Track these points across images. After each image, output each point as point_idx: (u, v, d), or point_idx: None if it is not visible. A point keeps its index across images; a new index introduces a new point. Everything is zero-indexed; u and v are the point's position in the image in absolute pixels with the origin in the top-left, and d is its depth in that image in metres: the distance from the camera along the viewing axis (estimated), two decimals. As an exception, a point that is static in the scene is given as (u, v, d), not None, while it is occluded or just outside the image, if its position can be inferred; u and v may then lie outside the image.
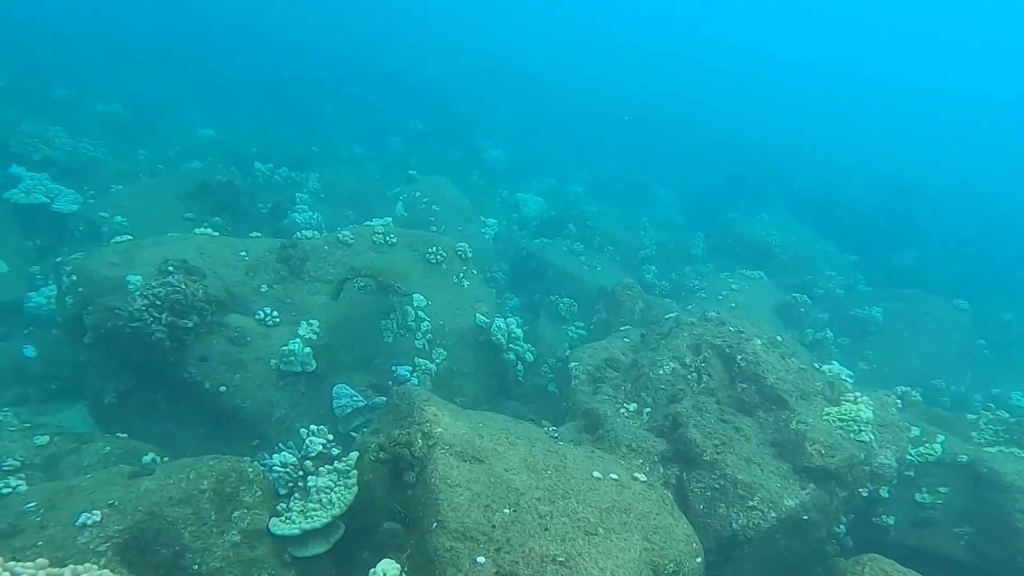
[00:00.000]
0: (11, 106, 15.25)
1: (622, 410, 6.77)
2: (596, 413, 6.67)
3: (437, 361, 8.19)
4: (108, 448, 6.27)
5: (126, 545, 4.58)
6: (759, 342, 6.99)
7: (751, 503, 5.56)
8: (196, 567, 4.71)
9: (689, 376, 6.91)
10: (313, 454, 5.50)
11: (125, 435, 6.73)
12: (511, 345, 8.69)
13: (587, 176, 22.35)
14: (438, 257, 8.95)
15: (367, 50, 32.57)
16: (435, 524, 4.49)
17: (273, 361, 7.21)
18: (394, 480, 5.07)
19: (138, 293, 6.65)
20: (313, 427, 5.74)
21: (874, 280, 15.16)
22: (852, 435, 6.29)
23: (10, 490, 5.31)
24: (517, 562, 4.20)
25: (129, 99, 18.91)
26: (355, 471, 5.29)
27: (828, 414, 6.45)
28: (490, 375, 8.75)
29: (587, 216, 15.45)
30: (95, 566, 3.36)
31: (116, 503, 4.75)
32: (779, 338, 7.45)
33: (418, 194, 12.92)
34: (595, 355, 7.79)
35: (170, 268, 7.15)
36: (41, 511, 4.83)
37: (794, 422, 6.23)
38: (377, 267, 7.79)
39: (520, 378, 8.89)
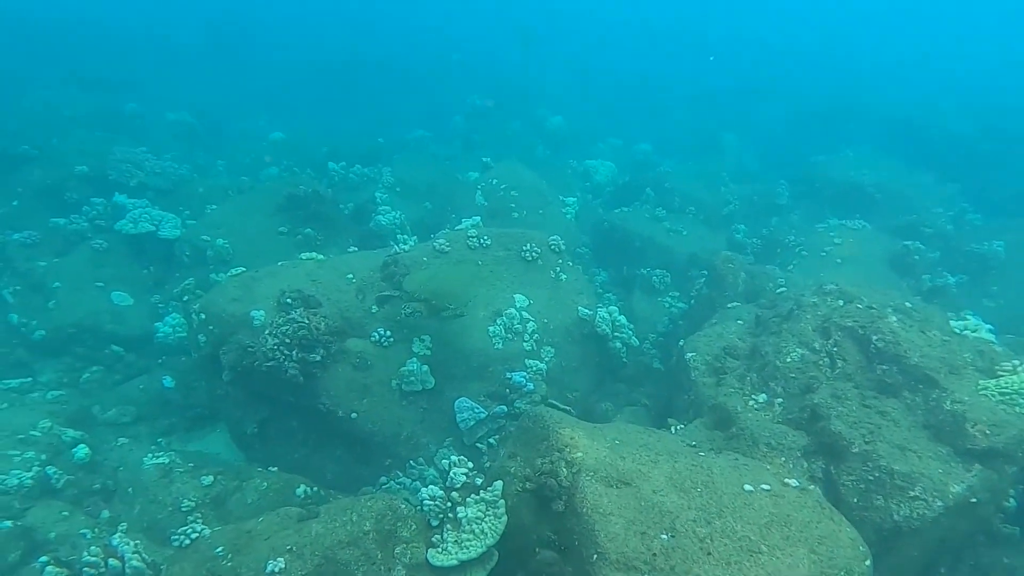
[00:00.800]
0: (95, 127, 15.86)
1: (751, 403, 6.63)
2: (724, 408, 6.54)
3: (546, 360, 8.24)
4: (265, 484, 6.74)
5: (310, 588, 4.85)
6: (894, 318, 6.67)
7: (913, 493, 5.36)
8: (370, 605, 4.95)
9: (820, 362, 6.69)
10: (458, 485, 5.62)
11: (276, 469, 7.11)
12: (616, 334, 8.69)
13: (652, 131, 21.81)
14: (533, 254, 8.93)
15: (414, 32, 32.28)
16: (595, 555, 4.54)
17: (394, 382, 7.41)
18: (542, 508, 5.13)
19: (268, 332, 6.90)
20: (453, 458, 5.88)
21: (984, 208, 14.22)
22: (1018, 408, 5.88)
23: (196, 535, 5.69)
24: (687, 592, 4.19)
25: (192, 106, 19.36)
26: (502, 500, 5.38)
27: (985, 388, 6.08)
28: (597, 364, 8.79)
29: (663, 178, 15.10)
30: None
31: (293, 548, 5.02)
32: (908, 304, 7.12)
33: (495, 181, 12.87)
34: (711, 343, 7.66)
35: (288, 300, 7.38)
36: (230, 556, 5.20)
37: (948, 402, 5.92)
38: (429, 289, 7.60)
39: (624, 359, 8.90)
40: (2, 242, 10.43)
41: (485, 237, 8.83)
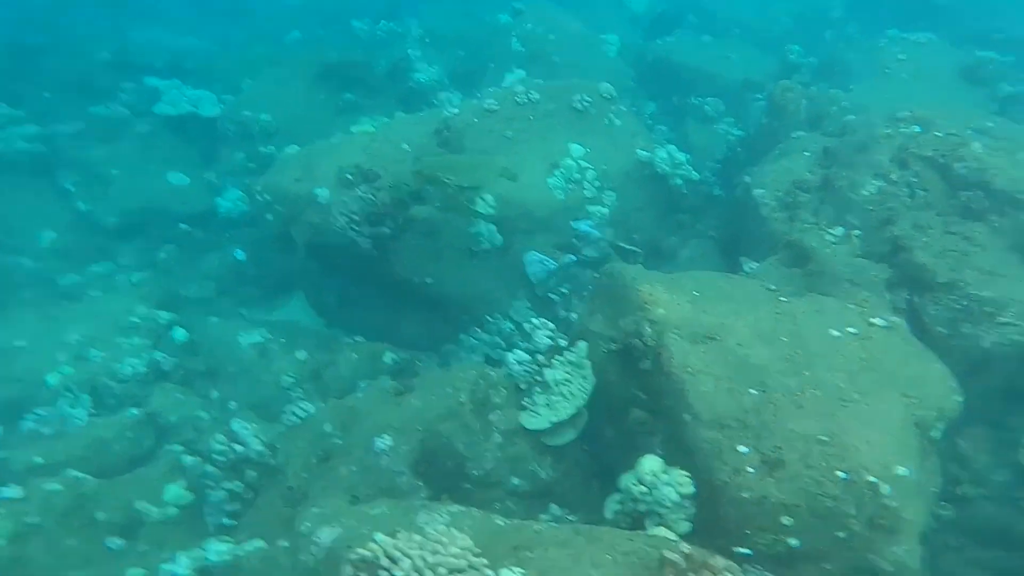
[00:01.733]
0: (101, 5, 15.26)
1: (828, 237, 6.42)
2: (800, 245, 6.28)
3: (609, 204, 8.13)
4: (355, 355, 7.16)
5: (417, 462, 5.13)
6: (977, 144, 6.28)
7: (1003, 319, 5.25)
8: (476, 472, 5.18)
9: (899, 193, 6.38)
10: (543, 348, 5.73)
11: (361, 338, 7.39)
12: (676, 171, 8.46)
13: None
14: (584, 103, 8.54)
15: None
16: (688, 416, 4.54)
17: (464, 243, 7.42)
18: (628, 367, 5.13)
19: (336, 211, 6.91)
20: (535, 320, 5.94)
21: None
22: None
23: (305, 413, 6.04)
24: (780, 447, 4.21)
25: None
26: (588, 361, 5.46)
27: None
28: (659, 201, 8.65)
29: (703, 3, 14.10)
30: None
31: (396, 424, 5.27)
32: (991, 124, 6.69)
33: (530, 26, 12.08)
34: (779, 178, 7.33)
35: (348, 176, 7.28)
36: (339, 433, 5.53)
37: (1039, 222, 5.64)
38: (445, 167, 6.92)
39: (685, 192, 8.72)
40: (51, 134, 10.34)
41: (533, 92, 8.43)
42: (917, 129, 6.86)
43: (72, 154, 10.25)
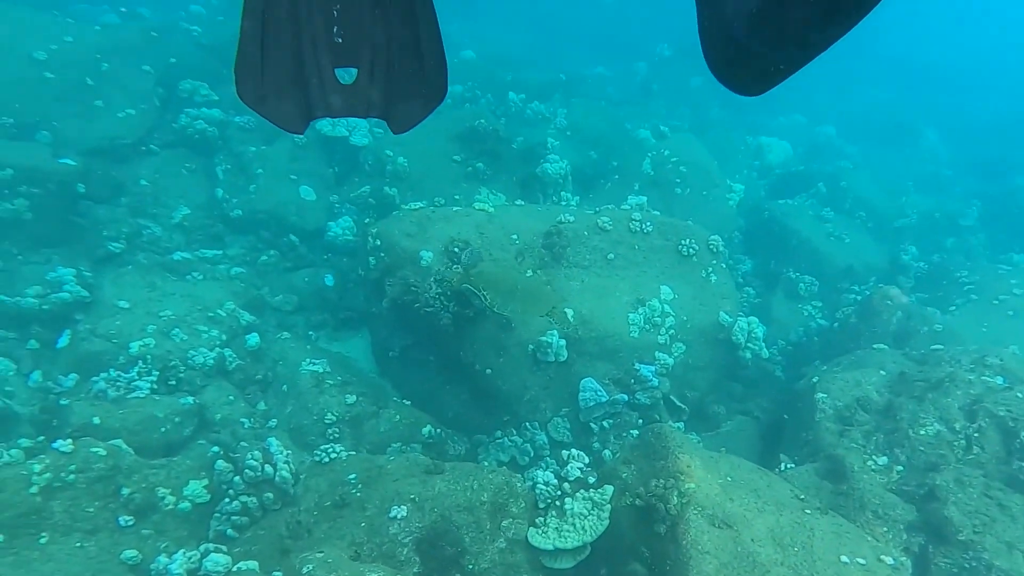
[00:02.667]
0: None
1: (870, 463, 6.43)
2: (841, 462, 6.39)
3: (676, 355, 8.24)
4: (398, 416, 7.31)
5: (422, 540, 5.36)
6: (1056, 420, 6.21)
7: None
8: (471, 567, 5.38)
9: (956, 443, 6.34)
10: (571, 478, 5.89)
11: (408, 403, 7.63)
12: (749, 344, 8.54)
13: (841, 108, 20.00)
14: (690, 250, 8.76)
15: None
16: None
17: (531, 347, 7.63)
18: (643, 524, 5.32)
19: (433, 280, 7.33)
20: (573, 451, 6.15)
21: None
22: None
23: (336, 455, 6.29)
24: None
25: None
26: (609, 505, 5.61)
27: None
28: (720, 366, 8.72)
29: (840, 174, 14.14)
30: None
31: (416, 499, 5.55)
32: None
33: (667, 152, 12.45)
34: (846, 389, 7.35)
35: (455, 250, 7.71)
36: (360, 487, 5.79)
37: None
38: (489, 282, 6.90)
39: (749, 364, 8.75)
40: (226, 122, 11.26)
41: (648, 224, 8.72)
42: (1000, 381, 6.80)
43: (234, 144, 11.06)
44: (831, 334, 9.73)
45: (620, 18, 22.49)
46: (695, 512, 5.14)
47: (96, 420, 6.21)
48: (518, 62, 18.29)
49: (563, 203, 10.91)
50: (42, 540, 5.28)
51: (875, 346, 8.44)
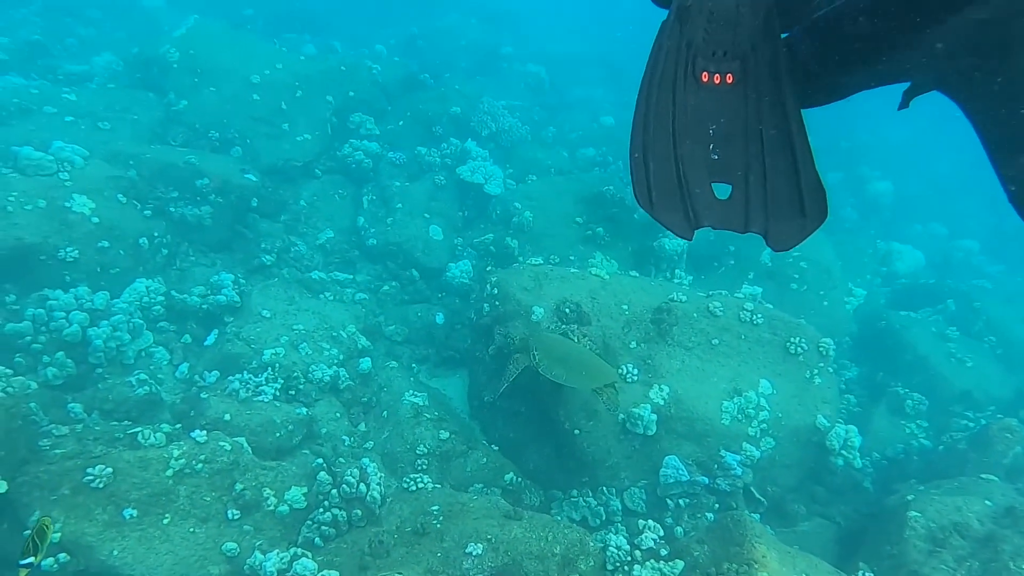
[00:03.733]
0: (475, 59, 17.80)
1: (958, 588, 6.13)
2: None
3: (763, 450, 8.09)
4: (484, 460, 7.58)
5: (490, 579, 5.55)
6: None
7: None
8: (531, 614, 5.54)
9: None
10: (644, 547, 5.97)
11: (496, 448, 7.91)
12: (843, 451, 8.27)
13: (990, 222, 18.84)
14: (798, 348, 8.61)
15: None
16: None
17: (621, 416, 7.73)
18: (708, 609, 5.36)
19: (499, 333, 7.64)
20: (650, 523, 6.21)
21: None
22: None
23: (423, 485, 6.64)
24: None
25: (548, 59, 20.43)
26: (677, 582, 5.65)
27: None
28: (807, 467, 8.47)
29: (975, 294, 13.37)
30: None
31: (492, 540, 5.77)
32: None
33: (788, 247, 12.27)
34: (943, 512, 7.00)
35: (566, 311, 7.99)
36: (441, 519, 6.05)
37: None
38: (550, 349, 7.06)
39: (837, 472, 8.44)
40: (381, 155, 12.18)
41: (759, 315, 8.66)
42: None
43: (383, 178, 11.98)
44: (934, 456, 9.25)
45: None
46: (763, 605, 5.12)
47: (227, 417, 6.82)
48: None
49: (676, 280, 10.99)
50: (165, 520, 5.84)
51: (983, 476, 7.95)
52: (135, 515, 5.72)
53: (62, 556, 5.46)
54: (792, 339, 8.66)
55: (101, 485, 5.64)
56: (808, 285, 11.84)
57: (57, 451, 5.83)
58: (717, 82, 1.93)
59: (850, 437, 8.26)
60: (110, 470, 5.70)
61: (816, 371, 8.69)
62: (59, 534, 5.47)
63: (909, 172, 19.65)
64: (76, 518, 5.59)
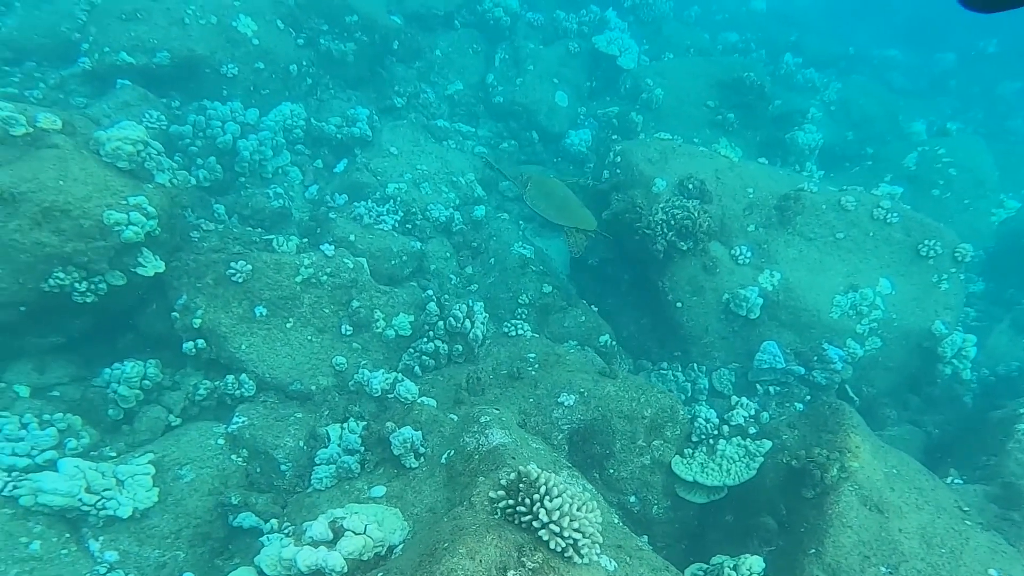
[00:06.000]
0: None
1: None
2: (1020, 491, 5.77)
3: (868, 349, 7.68)
4: (583, 318, 7.53)
5: (577, 431, 5.60)
6: None
7: None
8: (611, 471, 5.61)
9: None
10: (733, 423, 5.85)
11: (596, 309, 7.85)
12: (954, 360, 7.73)
13: None
14: (931, 251, 7.91)
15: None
16: (813, 551, 4.73)
17: (726, 296, 7.47)
18: (791, 484, 5.23)
19: (660, 207, 7.28)
20: (743, 400, 6.05)
21: None
22: None
23: (523, 331, 6.71)
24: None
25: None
26: (761, 458, 5.54)
27: None
28: (908, 373, 7.98)
29: None
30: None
31: (585, 394, 5.75)
32: None
33: (941, 151, 11.13)
34: (1059, 430, 6.54)
35: (690, 187, 7.62)
36: (536, 367, 6.08)
37: None
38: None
39: (939, 380, 7.95)
40: (519, 15, 11.72)
41: (894, 214, 7.96)
42: None
43: (518, 38, 11.60)
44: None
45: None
46: (850, 489, 4.98)
47: (352, 237, 7.07)
48: (808, 25, 16.88)
49: (806, 173, 10.26)
50: (288, 324, 6.19)
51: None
52: (264, 314, 6.08)
53: (200, 342, 5.93)
54: (926, 241, 7.97)
55: (240, 280, 6.00)
56: (952, 192, 10.82)
57: (204, 244, 6.22)
58: None
59: (966, 346, 7.69)
60: (250, 267, 6.04)
61: (946, 276, 8.01)
62: (200, 320, 5.91)
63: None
64: (215, 308, 6.01)
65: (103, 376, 5.65)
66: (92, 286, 5.42)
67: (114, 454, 5.39)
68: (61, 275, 5.23)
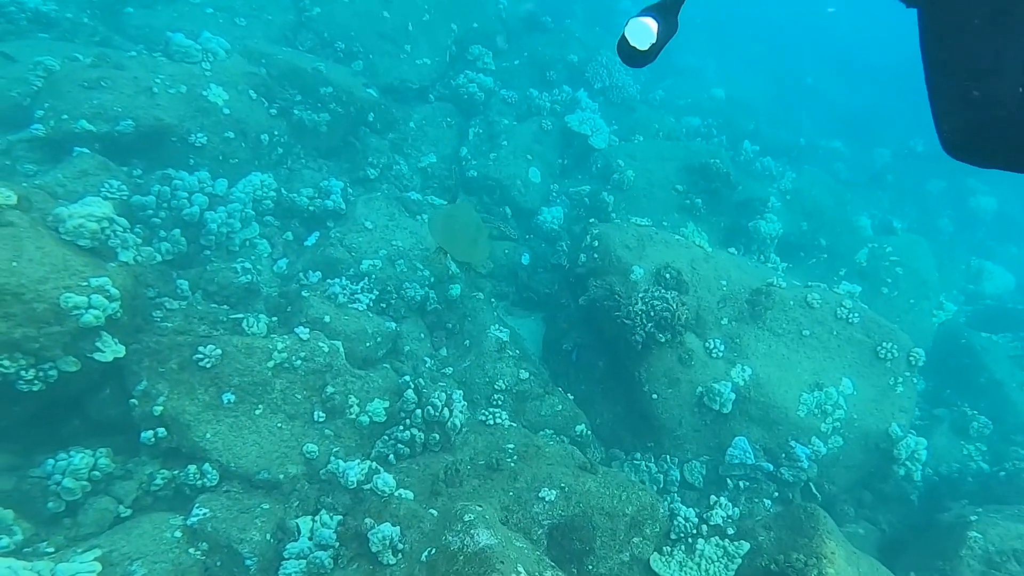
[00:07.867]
0: (593, 12, 17.01)
1: (1013, 616, 5.86)
2: None
3: (831, 448, 7.80)
4: (560, 407, 7.39)
5: (557, 527, 5.46)
6: None
7: None
8: (591, 567, 5.44)
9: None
10: (712, 522, 5.79)
11: (572, 397, 7.74)
12: (907, 463, 7.96)
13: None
14: (889, 354, 8.18)
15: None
16: None
17: (700, 389, 7.48)
18: (770, 590, 5.20)
19: (640, 296, 7.31)
20: (723, 499, 6.01)
21: None
22: None
23: (500, 421, 6.51)
24: None
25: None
26: (740, 560, 5.50)
27: None
28: (866, 472, 8.14)
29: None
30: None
31: (566, 489, 5.63)
32: None
33: (888, 249, 11.65)
34: (1006, 537, 6.68)
35: (667, 276, 7.69)
36: (515, 458, 5.93)
37: None
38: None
39: (893, 479, 8.15)
40: (493, 92, 11.84)
41: (856, 314, 8.24)
42: None
43: (492, 113, 11.70)
44: (992, 480, 8.77)
45: (878, 99, 20.94)
46: (827, 596, 4.94)
47: (327, 319, 6.72)
48: (760, 111, 17.60)
49: (770, 265, 10.52)
50: (257, 411, 5.80)
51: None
52: (233, 400, 5.73)
53: (160, 431, 5.50)
54: (884, 344, 8.22)
55: (208, 365, 5.65)
56: (900, 292, 11.25)
57: (167, 324, 5.87)
58: None
59: (918, 450, 7.96)
60: (219, 351, 5.70)
61: (901, 379, 8.27)
62: (161, 407, 5.52)
63: (1018, 191, 18.27)
64: (179, 395, 5.62)
65: (45, 467, 5.17)
66: (40, 374, 5.00)
67: (52, 549, 4.91)
68: (6, 363, 4.81)
